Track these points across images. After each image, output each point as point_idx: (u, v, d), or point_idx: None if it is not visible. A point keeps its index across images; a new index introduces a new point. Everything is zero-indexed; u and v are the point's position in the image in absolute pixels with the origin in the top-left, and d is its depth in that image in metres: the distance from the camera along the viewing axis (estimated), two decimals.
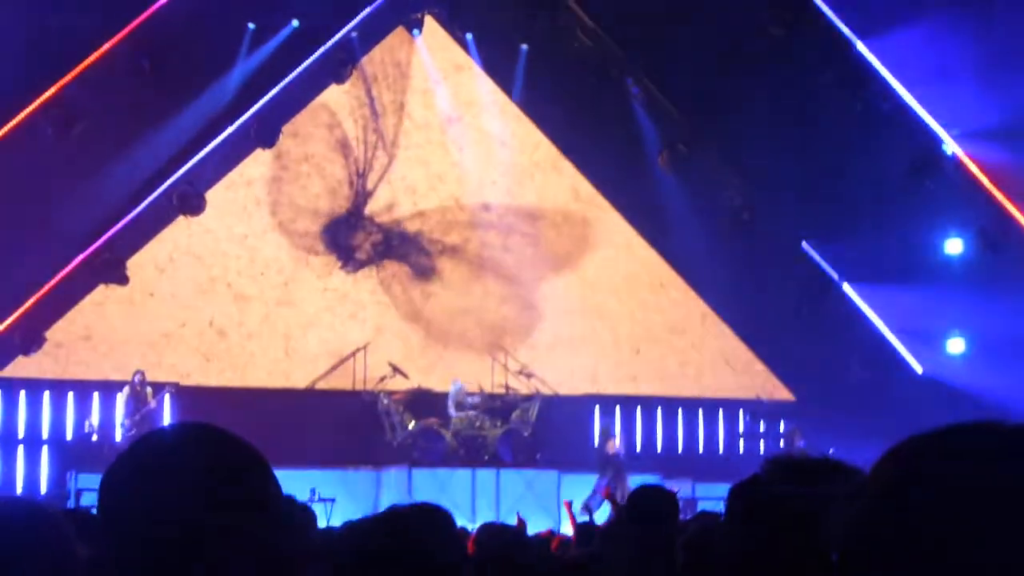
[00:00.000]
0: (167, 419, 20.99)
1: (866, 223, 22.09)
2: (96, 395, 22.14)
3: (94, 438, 21.23)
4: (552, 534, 11.48)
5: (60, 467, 21.47)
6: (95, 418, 21.80)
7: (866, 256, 22.72)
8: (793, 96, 21.21)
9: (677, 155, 23.56)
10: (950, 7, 19.25)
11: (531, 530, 11.29)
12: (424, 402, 22.78)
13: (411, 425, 22.20)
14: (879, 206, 21.70)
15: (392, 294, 24.48)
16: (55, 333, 22.25)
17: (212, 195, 23.00)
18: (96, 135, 20.04)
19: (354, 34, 23.47)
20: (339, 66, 23.46)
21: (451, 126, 24.95)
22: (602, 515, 18.28)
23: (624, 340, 25.37)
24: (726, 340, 25.75)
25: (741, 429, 25.89)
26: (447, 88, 24.90)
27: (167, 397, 21.53)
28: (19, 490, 21.11)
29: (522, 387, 23.83)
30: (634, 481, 18.53)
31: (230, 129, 22.48)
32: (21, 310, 21.47)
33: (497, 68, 24.64)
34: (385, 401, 22.41)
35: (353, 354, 23.40)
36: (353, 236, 24.25)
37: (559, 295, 25.14)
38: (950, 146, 21.18)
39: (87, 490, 19.14)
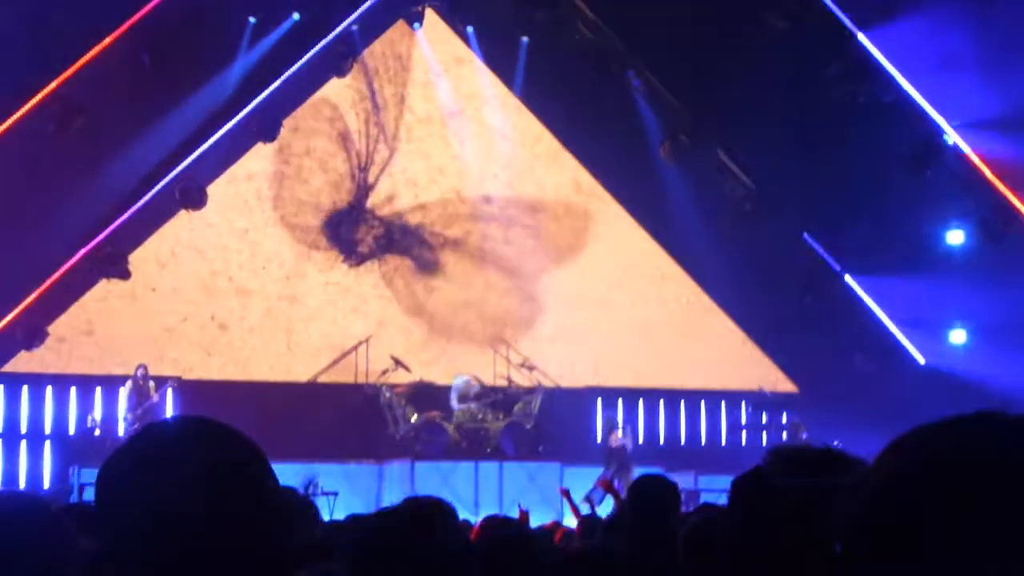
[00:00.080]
0: (170, 413, 20.99)
1: (868, 214, 22.08)
2: (99, 390, 22.16)
3: (97, 433, 21.23)
4: (557, 525, 11.47)
5: (63, 462, 21.48)
6: (98, 413, 21.81)
7: (868, 247, 22.72)
8: (795, 87, 21.22)
9: (678, 146, 23.54)
10: None
11: (534, 522, 11.28)
12: (426, 395, 22.79)
13: (413, 418, 22.20)
14: (881, 197, 21.70)
15: (394, 287, 24.48)
16: (57, 328, 22.26)
17: (213, 189, 22.99)
18: (97, 130, 20.03)
19: (355, 27, 23.46)
20: (340, 59, 23.44)
21: (452, 119, 24.94)
22: (606, 508, 18.27)
23: (626, 332, 25.35)
24: (728, 331, 25.73)
25: (743, 421, 25.88)
26: (448, 81, 24.89)
27: (170, 391, 21.55)
28: (22, 485, 21.11)
29: (524, 380, 23.83)
30: (638, 474, 18.51)
31: (231, 123, 22.48)
32: (23, 305, 21.47)
33: (498, 61, 24.64)
34: (387, 394, 22.41)
35: (355, 348, 23.41)
36: (355, 230, 24.25)
37: (561, 287, 25.14)
38: (951, 137, 21.16)
39: (90, 485, 19.08)
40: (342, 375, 23.54)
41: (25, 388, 22.09)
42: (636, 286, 25.51)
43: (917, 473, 1.55)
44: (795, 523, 2.49)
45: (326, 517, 12.54)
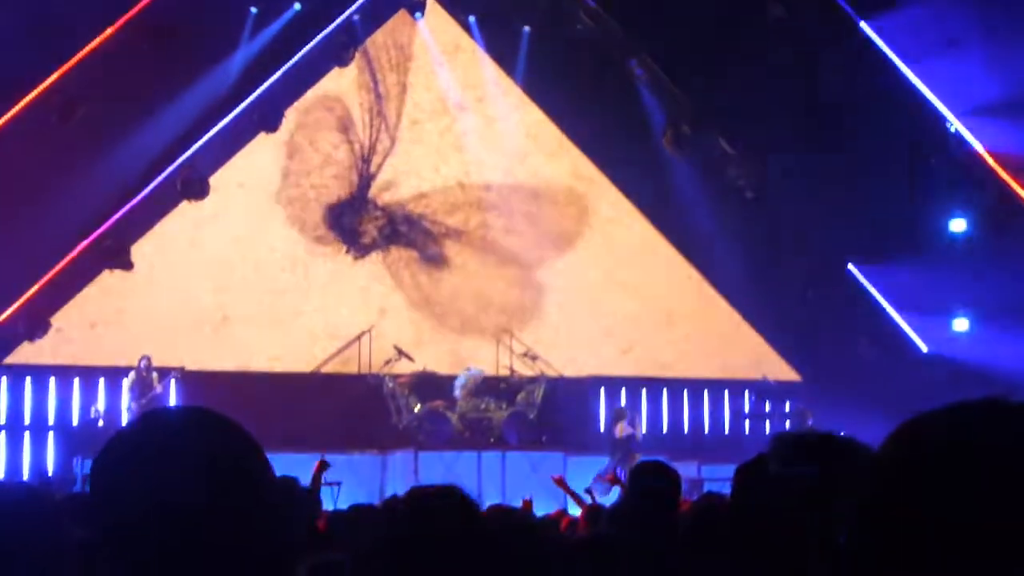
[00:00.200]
0: (173, 404, 21.00)
1: (870, 202, 22.05)
2: (102, 380, 22.16)
3: (100, 424, 21.23)
4: (563, 513, 11.49)
5: (66, 453, 21.48)
6: (101, 404, 21.82)
7: (870, 235, 22.70)
8: (797, 75, 21.20)
9: (681, 135, 23.54)
10: None
11: (539, 512, 11.28)
12: (430, 385, 22.78)
13: (417, 408, 22.21)
14: (883, 184, 21.66)
15: (396, 277, 24.47)
16: (60, 319, 22.27)
17: (216, 180, 22.99)
18: (99, 121, 20.03)
19: (356, 17, 23.46)
20: (341, 49, 23.45)
21: (454, 108, 24.92)
22: (612, 498, 18.25)
23: (629, 321, 25.35)
24: (731, 320, 25.72)
25: (747, 409, 25.87)
26: (449, 70, 24.87)
27: (173, 382, 21.56)
28: (26, 476, 21.13)
29: (527, 369, 23.82)
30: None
31: (233, 114, 22.47)
32: (26, 296, 21.48)
33: (500, 50, 24.63)
34: (390, 384, 22.42)
35: (358, 338, 23.41)
36: (357, 219, 24.24)
37: (563, 276, 25.13)
38: (954, 124, 21.14)
39: None
40: (345, 365, 23.55)
41: (28, 379, 22.11)
42: (639, 275, 25.49)
43: (920, 461, 1.56)
44: (798, 511, 2.49)
45: (329, 507, 12.58)
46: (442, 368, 23.42)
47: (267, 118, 23.09)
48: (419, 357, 23.10)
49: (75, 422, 22.04)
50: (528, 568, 3.10)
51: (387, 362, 22.77)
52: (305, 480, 9.67)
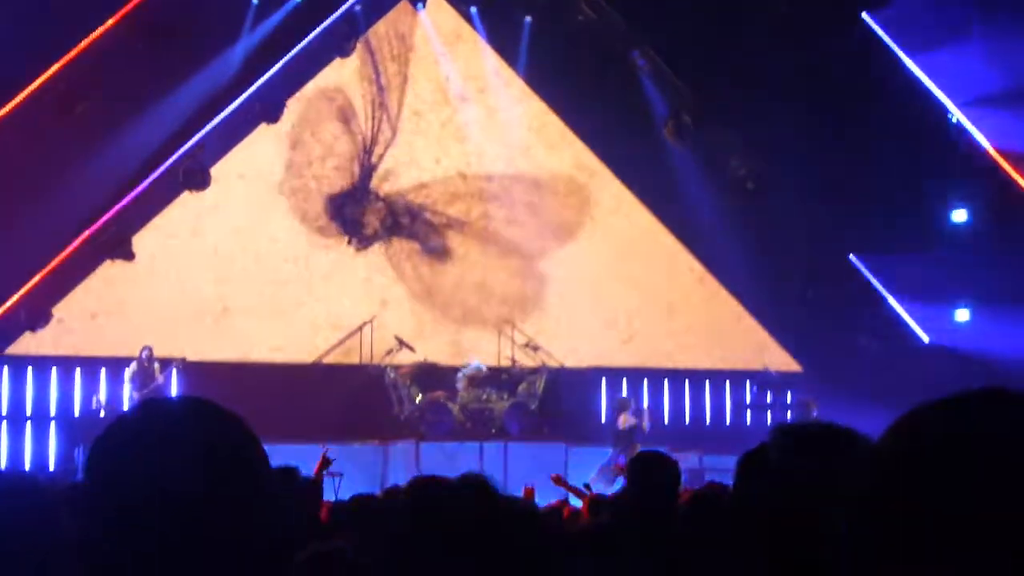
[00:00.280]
0: (175, 394, 21.00)
1: (872, 192, 22.05)
2: (103, 371, 22.16)
3: (102, 414, 21.23)
4: (564, 503, 11.51)
5: (68, 443, 21.49)
6: (103, 394, 21.82)
7: (872, 225, 22.70)
8: (799, 66, 21.18)
9: (682, 126, 23.52)
10: None
11: (541, 502, 11.29)
12: (431, 376, 22.80)
13: (418, 399, 22.22)
14: (885, 175, 21.65)
15: (398, 268, 24.47)
16: (62, 309, 22.27)
17: (217, 170, 22.98)
18: (100, 112, 20.02)
19: (358, 7, 23.44)
20: (343, 40, 23.44)
21: (455, 99, 24.91)
22: (616, 489, 18.25)
23: (630, 312, 25.35)
24: (732, 311, 25.72)
25: (748, 400, 25.87)
26: (451, 61, 24.85)
27: (174, 372, 21.57)
28: (27, 466, 21.15)
29: (528, 360, 23.83)
30: None
31: (234, 105, 22.46)
32: (28, 287, 21.49)
33: (501, 40, 24.61)
34: (392, 375, 22.44)
35: (359, 329, 23.41)
36: (359, 210, 24.24)
37: (564, 267, 25.13)
38: (955, 115, 21.13)
39: None
40: (347, 356, 23.56)
41: (30, 370, 22.11)
42: (640, 266, 25.48)
43: (919, 452, 1.56)
44: (801, 501, 2.49)
45: (331, 498, 12.58)
46: (443, 359, 23.43)
47: (268, 109, 23.09)
48: (420, 348, 23.12)
49: (77, 412, 22.05)
50: (534, 557, 3.10)
51: (388, 353, 22.79)
52: (307, 471, 9.67)
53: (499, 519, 3.09)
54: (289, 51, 22.71)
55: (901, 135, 21.21)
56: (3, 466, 20.84)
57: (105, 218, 21.88)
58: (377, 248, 24.36)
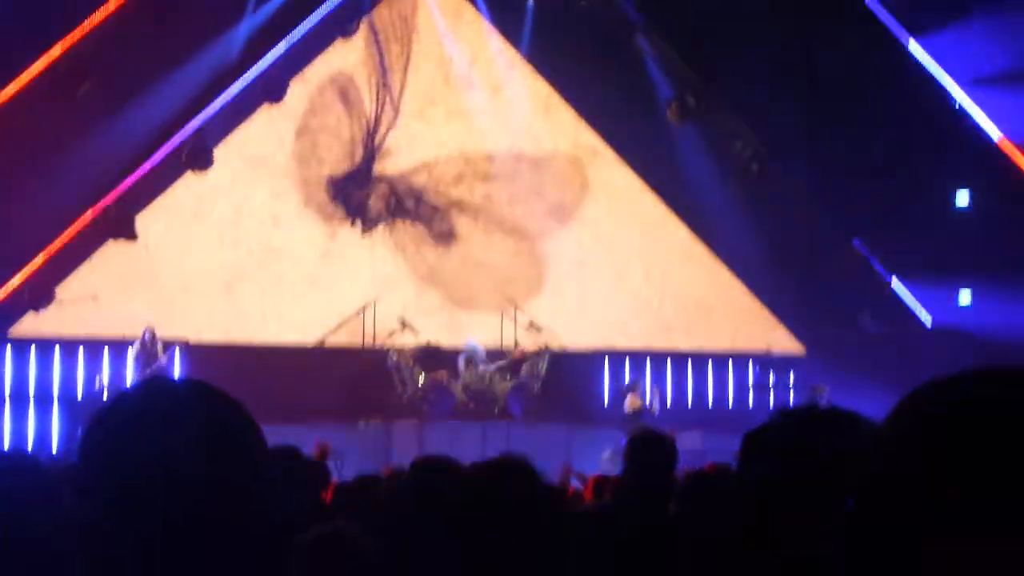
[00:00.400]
0: (177, 375, 21.03)
1: (875, 174, 22.03)
2: (106, 351, 22.18)
3: (105, 395, 21.28)
4: (567, 483, 11.53)
5: (71, 424, 21.53)
6: (105, 375, 21.86)
7: (875, 207, 22.68)
8: (803, 48, 21.14)
9: (686, 107, 23.50)
10: None
11: None
12: (434, 357, 22.81)
13: (421, 380, 22.24)
14: (888, 157, 21.63)
15: (401, 249, 24.47)
16: (64, 290, 22.28)
17: (220, 151, 22.98)
18: (103, 92, 20.00)
19: None
20: (346, 20, 23.42)
21: (458, 79, 24.89)
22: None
23: (633, 293, 25.36)
24: (735, 292, 25.72)
25: (751, 382, 25.88)
26: (454, 41, 24.82)
27: (177, 353, 21.59)
28: (30, 447, 21.19)
29: (531, 341, 23.83)
30: None
31: (237, 85, 22.45)
32: (30, 267, 21.50)
33: (504, 21, 24.58)
34: (395, 356, 22.45)
35: (362, 310, 23.41)
36: (362, 191, 24.23)
37: (567, 249, 25.13)
38: (958, 96, 21.09)
39: None
40: (349, 338, 23.56)
41: (33, 350, 22.14)
42: (643, 247, 25.48)
43: (925, 430, 1.55)
44: (807, 479, 2.49)
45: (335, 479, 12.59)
46: (446, 340, 23.44)
47: (271, 89, 23.09)
48: (423, 329, 23.12)
49: (80, 393, 22.08)
50: (549, 537, 3.10)
51: (391, 334, 22.81)
52: (308, 453, 9.67)
53: (536, 501, 3.09)
54: (292, 31, 22.69)
55: (904, 117, 21.17)
56: (6, 447, 20.89)
57: (108, 199, 21.88)
58: (380, 229, 24.36)
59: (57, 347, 22.21)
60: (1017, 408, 1.53)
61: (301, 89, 23.88)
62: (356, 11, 23.50)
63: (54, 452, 20.92)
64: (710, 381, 25.85)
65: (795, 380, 25.16)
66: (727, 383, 25.94)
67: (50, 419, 21.99)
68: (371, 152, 24.30)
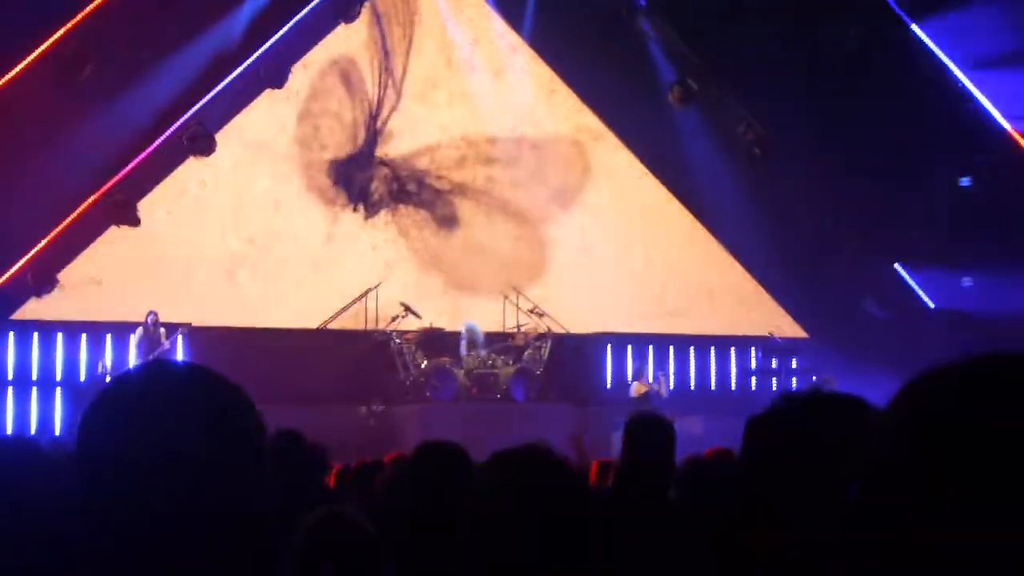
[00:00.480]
0: (180, 360, 21.02)
1: (878, 158, 22.00)
2: (109, 336, 22.21)
3: (107, 379, 21.27)
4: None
5: (73, 408, 21.54)
6: (108, 359, 21.88)
7: (878, 190, 22.65)
8: (805, 32, 21.11)
9: (688, 91, 23.47)
10: None
11: None
12: (436, 341, 22.81)
13: (423, 364, 22.25)
14: (890, 142, 21.60)
15: (403, 233, 24.48)
16: (67, 275, 22.29)
17: (222, 136, 22.95)
18: (105, 77, 19.96)
19: None
20: (348, 5, 23.38)
21: (460, 62, 24.87)
22: None
23: (635, 277, 25.37)
24: (738, 277, 25.74)
25: (753, 366, 25.91)
26: (457, 25, 24.80)
27: (180, 338, 21.60)
28: (32, 431, 21.21)
29: (533, 326, 23.81)
30: None
31: (239, 69, 22.42)
32: (33, 252, 21.50)
33: (507, 4, 24.57)
34: (397, 340, 22.46)
35: (365, 294, 23.40)
36: (364, 176, 24.23)
37: (569, 233, 25.14)
38: (961, 79, 21.06)
39: None
40: (352, 322, 23.56)
41: (35, 335, 22.14)
42: (645, 231, 25.49)
43: (927, 417, 1.55)
44: (811, 464, 2.49)
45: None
46: (449, 325, 23.44)
47: (273, 74, 23.04)
48: (425, 313, 23.12)
49: (82, 378, 22.10)
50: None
51: (394, 318, 22.80)
52: (310, 437, 9.66)
53: (564, 492, 3.09)
54: (294, 16, 22.66)
55: (907, 101, 21.14)
56: (8, 431, 20.91)
57: (110, 183, 21.87)
58: (383, 214, 24.36)
59: (60, 332, 22.21)
60: (1014, 398, 1.53)
61: (303, 74, 23.86)
62: None
63: (56, 436, 20.93)
64: (712, 366, 25.87)
65: (798, 364, 25.17)
66: (729, 368, 25.96)
67: (53, 404, 22.01)
68: (373, 136, 24.29)
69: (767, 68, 21.43)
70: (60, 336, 22.21)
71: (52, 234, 21.60)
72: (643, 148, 25.22)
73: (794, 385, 24.13)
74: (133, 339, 21.01)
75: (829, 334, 24.39)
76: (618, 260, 25.23)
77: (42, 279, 21.77)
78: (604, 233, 25.23)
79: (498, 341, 23.06)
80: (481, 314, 23.65)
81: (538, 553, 2.94)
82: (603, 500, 6.21)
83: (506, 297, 24.06)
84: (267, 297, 23.43)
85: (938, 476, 1.50)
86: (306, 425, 9.08)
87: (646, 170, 25.40)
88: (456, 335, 22.91)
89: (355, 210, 24.13)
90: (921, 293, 24.39)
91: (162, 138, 22.07)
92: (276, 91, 23.40)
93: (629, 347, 25.09)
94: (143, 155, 22.00)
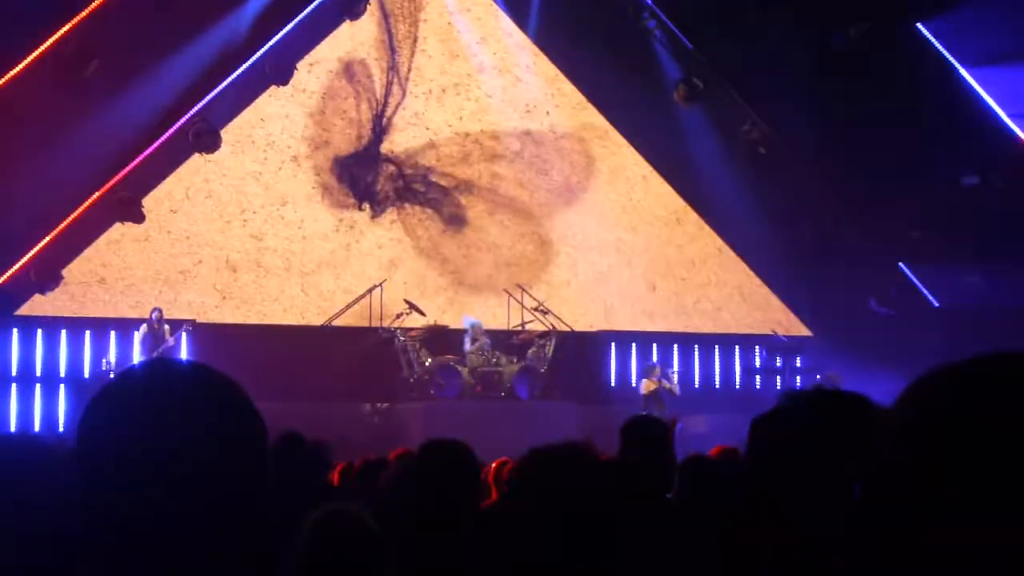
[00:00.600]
0: (185, 356, 21.03)
1: (881, 155, 21.99)
2: (113, 333, 22.22)
3: (112, 376, 21.26)
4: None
5: (78, 405, 21.55)
6: (112, 356, 21.89)
7: (881, 188, 22.64)
8: (808, 30, 21.10)
9: (693, 90, 23.47)
10: None
11: None
12: (440, 339, 22.81)
13: (427, 362, 22.24)
14: (893, 140, 21.58)
15: (408, 231, 24.48)
16: (72, 271, 22.30)
17: (227, 133, 22.97)
18: (110, 73, 19.98)
19: None
20: (354, 2, 23.37)
21: (466, 60, 24.86)
22: None
23: (640, 276, 25.37)
24: (742, 275, 25.74)
25: (757, 365, 25.91)
26: (462, 22, 24.79)
27: (184, 335, 21.60)
28: (37, 427, 21.23)
29: (538, 324, 23.82)
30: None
31: (244, 66, 22.42)
32: (37, 248, 21.51)
33: (513, 1, 24.57)
34: (402, 338, 22.45)
35: (369, 291, 23.41)
36: (369, 173, 24.23)
37: (574, 231, 25.14)
38: (965, 76, 21.05)
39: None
40: (356, 319, 23.57)
41: (40, 332, 22.16)
42: (650, 229, 25.49)
43: (933, 417, 1.55)
44: (814, 462, 2.49)
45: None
46: (453, 322, 23.44)
47: (278, 71, 23.05)
48: (430, 311, 23.12)
49: (87, 374, 22.11)
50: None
51: (398, 316, 22.80)
52: (314, 433, 9.67)
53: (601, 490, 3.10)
54: (300, 13, 22.66)
55: (911, 99, 21.13)
56: (13, 427, 20.93)
57: (115, 180, 21.88)
58: (387, 211, 24.36)
59: (64, 328, 22.22)
60: (1020, 398, 1.52)
61: (308, 71, 23.86)
62: None
63: (60, 433, 20.94)
64: (717, 364, 25.87)
65: (802, 363, 25.17)
66: (734, 366, 25.96)
67: (57, 400, 22.02)
68: (379, 132, 24.29)
69: (773, 68, 21.42)
70: (64, 333, 22.23)
71: (56, 231, 21.62)
72: (648, 146, 25.21)
73: (798, 384, 24.13)
74: (137, 336, 21.01)
75: (833, 333, 24.38)
76: (622, 258, 25.23)
77: (46, 276, 21.79)
78: (608, 231, 25.23)
79: (502, 339, 23.05)
80: (485, 312, 23.65)
81: (578, 550, 2.95)
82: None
83: (510, 295, 24.05)
84: (272, 294, 23.45)
85: (944, 475, 1.50)
86: (310, 422, 9.09)
87: (651, 168, 25.39)
88: (460, 332, 22.91)
89: (361, 209, 24.13)
90: (925, 291, 24.37)
91: (167, 135, 22.08)
92: (281, 88, 23.40)
93: (633, 345, 25.10)
94: (148, 152, 22.01)
